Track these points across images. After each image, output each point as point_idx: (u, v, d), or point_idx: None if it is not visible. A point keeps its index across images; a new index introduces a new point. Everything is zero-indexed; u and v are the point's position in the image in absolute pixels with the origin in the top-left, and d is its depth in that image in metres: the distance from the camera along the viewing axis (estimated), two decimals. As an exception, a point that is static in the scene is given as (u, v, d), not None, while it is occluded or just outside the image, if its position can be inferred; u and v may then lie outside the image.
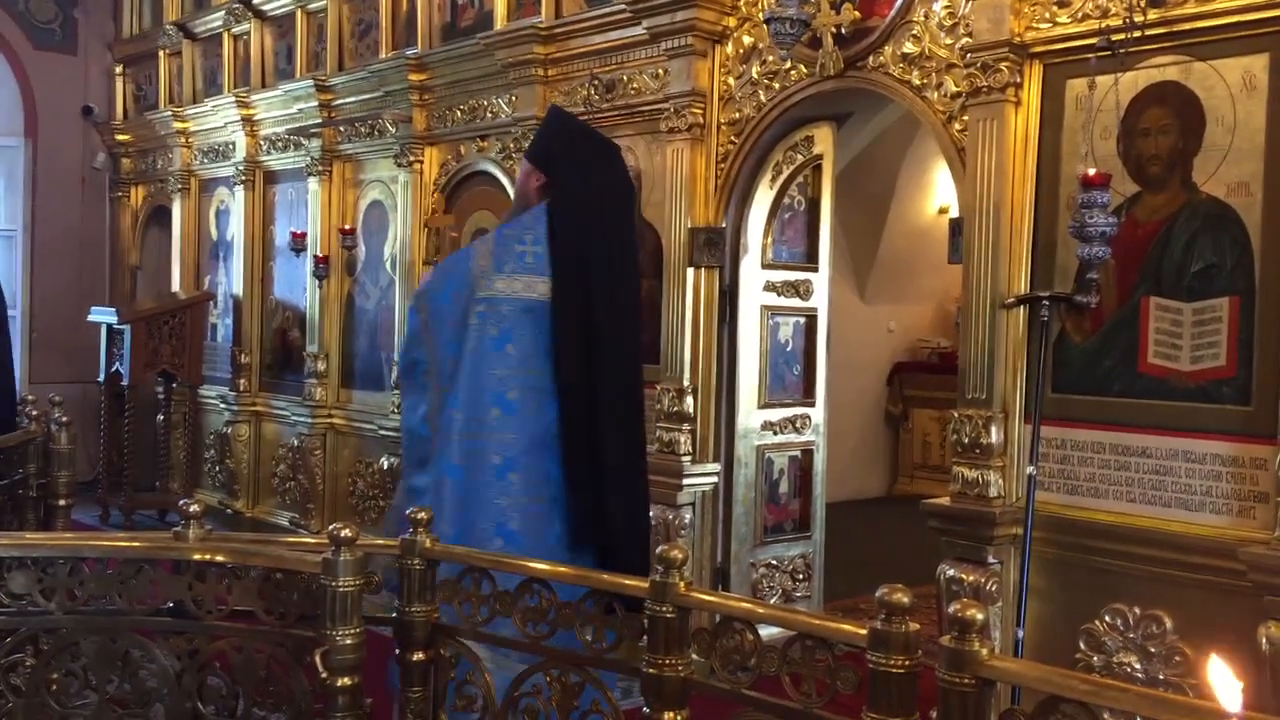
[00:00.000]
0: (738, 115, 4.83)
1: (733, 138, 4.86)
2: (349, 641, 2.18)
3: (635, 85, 5.24)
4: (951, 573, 3.80)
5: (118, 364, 7.71)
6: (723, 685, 1.86)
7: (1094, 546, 3.62)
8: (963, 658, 1.53)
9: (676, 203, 4.96)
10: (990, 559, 3.76)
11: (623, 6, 5.11)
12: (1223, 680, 1.22)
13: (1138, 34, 3.47)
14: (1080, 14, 3.66)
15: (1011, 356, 3.83)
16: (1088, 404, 3.69)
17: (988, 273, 3.85)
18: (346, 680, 2.18)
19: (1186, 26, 3.45)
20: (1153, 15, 3.46)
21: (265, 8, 7.79)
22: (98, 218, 9.54)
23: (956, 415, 3.93)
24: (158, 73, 8.97)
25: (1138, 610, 3.50)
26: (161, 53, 8.87)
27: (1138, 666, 3.48)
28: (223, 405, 8.07)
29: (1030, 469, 3.66)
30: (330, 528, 2.21)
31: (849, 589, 5.66)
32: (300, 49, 7.51)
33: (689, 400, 4.91)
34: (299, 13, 7.49)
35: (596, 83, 5.39)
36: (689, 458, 4.91)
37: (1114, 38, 3.50)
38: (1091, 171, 3.41)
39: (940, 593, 3.85)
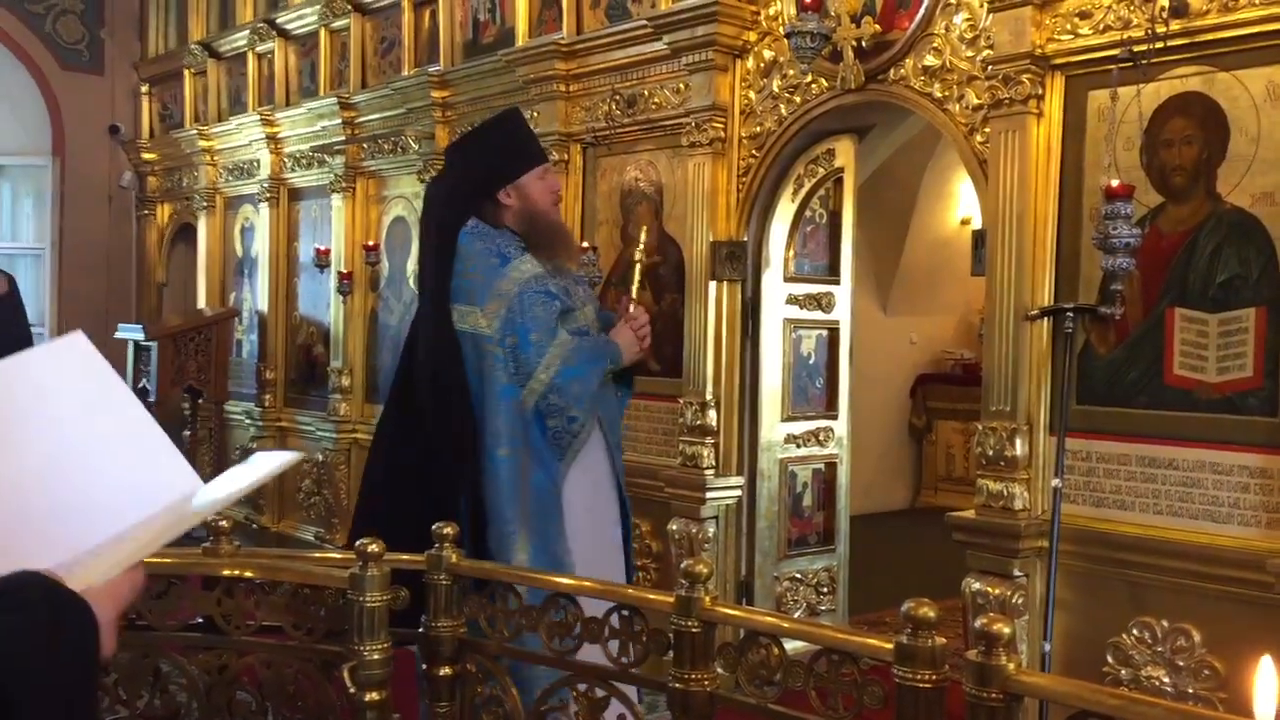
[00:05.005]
0: (759, 129, 4.84)
1: (754, 151, 4.87)
2: (376, 656, 2.19)
3: (656, 100, 5.26)
4: (977, 586, 3.78)
5: (144, 380, 7.77)
6: (749, 700, 1.87)
7: (1121, 559, 3.60)
8: (990, 672, 1.53)
9: (698, 217, 4.97)
10: (1016, 572, 3.74)
11: (644, 22, 5.14)
12: (1267, 684, 1.21)
13: (1160, 45, 3.46)
14: (1102, 25, 3.66)
15: (1036, 368, 3.82)
16: (1113, 416, 3.67)
17: (1011, 284, 3.84)
18: (374, 695, 2.19)
19: (1209, 37, 3.44)
20: (1175, 26, 3.45)
21: (289, 27, 7.87)
22: (124, 235, 9.64)
23: (981, 428, 3.92)
24: (183, 92, 9.07)
25: (1166, 623, 3.47)
26: (187, 72, 8.97)
27: (1166, 680, 3.45)
28: (248, 421, 8.13)
29: (1056, 481, 3.64)
30: (358, 543, 2.23)
31: (874, 602, 5.64)
32: (324, 67, 7.58)
33: (711, 414, 4.91)
34: (322, 31, 7.56)
35: (618, 98, 5.42)
36: (712, 471, 4.90)
37: (1136, 49, 3.50)
38: (1115, 183, 3.40)
39: (966, 606, 3.83)
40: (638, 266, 3.35)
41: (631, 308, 3.23)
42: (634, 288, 3.34)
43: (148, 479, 1.24)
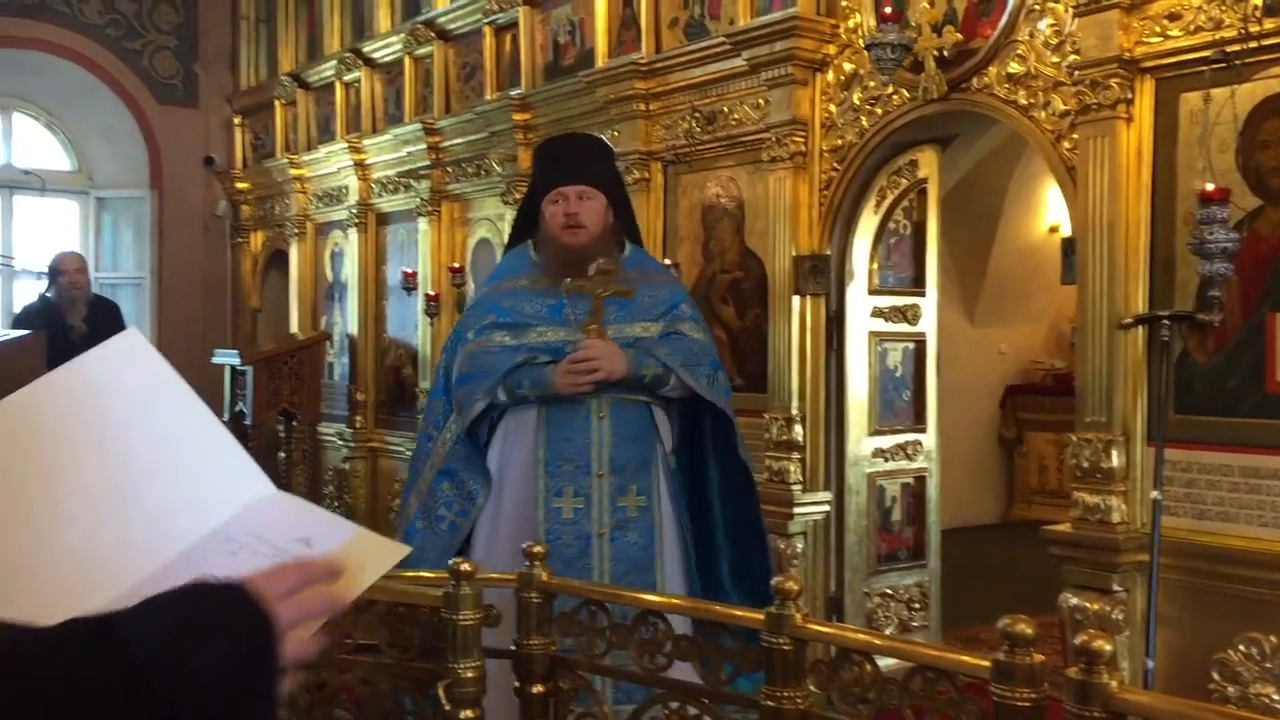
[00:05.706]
0: (840, 142, 4.81)
1: (835, 165, 4.84)
2: (470, 674, 2.22)
3: (736, 116, 5.26)
4: (1075, 601, 3.70)
5: (241, 404, 7.96)
6: (842, 718, 1.85)
7: (1225, 573, 3.49)
8: (1091, 690, 1.50)
9: (780, 231, 4.96)
10: (1115, 587, 3.66)
11: (722, 39, 5.15)
12: None
13: (1253, 45, 3.37)
14: (1193, 26, 3.57)
15: (1131, 377, 3.73)
16: (1214, 425, 3.57)
17: (1104, 292, 3.76)
18: (469, 713, 2.21)
19: (1306, 34, 3.35)
20: (1269, 25, 3.36)
21: (375, 56, 8.04)
22: (220, 263, 9.92)
23: (1075, 439, 3.84)
24: (274, 122, 9.30)
25: (1274, 639, 3.36)
26: (277, 103, 9.21)
27: (1276, 697, 3.34)
28: (340, 442, 8.28)
29: (1155, 493, 3.55)
30: (450, 562, 2.26)
31: (967, 618, 5.54)
32: (408, 94, 7.72)
33: (798, 429, 4.89)
34: (407, 59, 7.71)
35: (697, 115, 5.44)
36: (799, 486, 4.88)
37: (1229, 49, 3.42)
38: (1210, 186, 3.32)
39: (1064, 622, 3.75)
40: (596, 301, 3.04)
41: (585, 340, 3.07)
42: (589, 321, 3.06)
43: (219, 475, 1.23)
